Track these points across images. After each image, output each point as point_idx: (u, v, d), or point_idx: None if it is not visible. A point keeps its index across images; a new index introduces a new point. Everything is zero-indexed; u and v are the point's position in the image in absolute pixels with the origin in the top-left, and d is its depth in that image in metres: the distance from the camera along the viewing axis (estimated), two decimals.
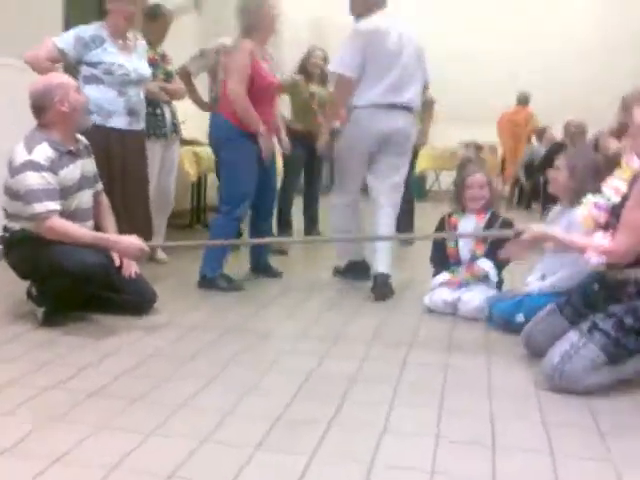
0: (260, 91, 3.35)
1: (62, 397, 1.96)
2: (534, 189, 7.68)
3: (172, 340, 2.55)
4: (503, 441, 1.77)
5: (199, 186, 5.59)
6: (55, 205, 2.54)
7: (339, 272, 3.76)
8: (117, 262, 2.79)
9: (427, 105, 3.94)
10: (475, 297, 2.97)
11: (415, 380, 2.22)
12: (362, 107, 3.33)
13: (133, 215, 3.31)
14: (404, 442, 1.76)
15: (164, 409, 1.89)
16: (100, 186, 2.95)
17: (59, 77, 2.77)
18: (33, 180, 2.52)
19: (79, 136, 2.81)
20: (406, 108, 3.38)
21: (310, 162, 4.96)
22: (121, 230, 2.89)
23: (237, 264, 3.77)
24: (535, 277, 2.90)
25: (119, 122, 3.33)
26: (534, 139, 8.26)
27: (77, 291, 2.63)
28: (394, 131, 3.35)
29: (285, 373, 2.24)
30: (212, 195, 5.71)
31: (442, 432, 1.81)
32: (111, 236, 2.73)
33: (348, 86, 3.32)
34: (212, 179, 5.57)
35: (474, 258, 3.07)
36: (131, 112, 3.37)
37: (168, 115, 3.97)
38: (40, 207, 2.51)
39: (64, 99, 2.64)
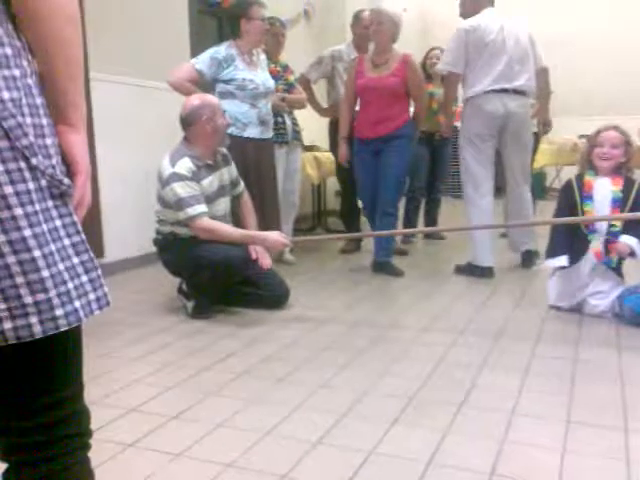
0: None
1: (215, 377, 2.21)
2: None
3: (306, 331, 2.74)
4: (635, 425, 1.79)
5: (319, 190, 5.82)
6: (204, 207, 2.84)
7: (460, 269, 3.83)
8: (253, 256, 3.03)
9: (544, 93, 3.96)
10: (602, 301, 2.84)
11: (544, 371, 2.26)
12: (476, 96, 3.65)
13: (268, 216, 3.58)
14: (535, 423, 1.82)
15: (306, 388, 2.08)
16: (241, 187, 3.22)
17: (211, 99, 3.05)
18: (181, 189, 2.82)
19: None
20: (519, 92, 3.63)
21: (434, 163, 5.03)
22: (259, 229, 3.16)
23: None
24: None
25: (253, 132, 3.62)
26: None
27: (221, 282, 2.90)
28: (510, 114, 3.61)
29: (415, 360, 2.36)
30: (332, 199, 5.94)
31: (572, 417, 1.86)
32: (258, 233, 3.00)
33: (456, 82, 3.74)
34: (331, 183, 5.81)
35: (611, 231, 2.82)
36: (262, 122, 3.65)
37: (289, 123, 4.21)
38: (192, 211, 2.81)
39: (210, 119, 2.92)
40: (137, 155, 3.98)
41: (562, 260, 2.86)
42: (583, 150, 3.02)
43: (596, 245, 2.83)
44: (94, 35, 3.63)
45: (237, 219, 3.22)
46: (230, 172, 3.14)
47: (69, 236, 0.86)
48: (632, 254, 2.77)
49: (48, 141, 0.84)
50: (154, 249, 3.12)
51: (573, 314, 2.93)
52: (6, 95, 0.78)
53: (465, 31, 3.62)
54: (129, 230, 3.94)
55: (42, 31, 0.82)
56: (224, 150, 3.11)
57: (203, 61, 3.55)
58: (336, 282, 3.70)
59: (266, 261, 2.97)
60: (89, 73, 3.64)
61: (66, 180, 0.85)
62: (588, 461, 1.61)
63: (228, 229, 2.92)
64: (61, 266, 0.83)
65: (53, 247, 0.82)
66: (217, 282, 2.87)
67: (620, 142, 2.87)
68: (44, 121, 0.84)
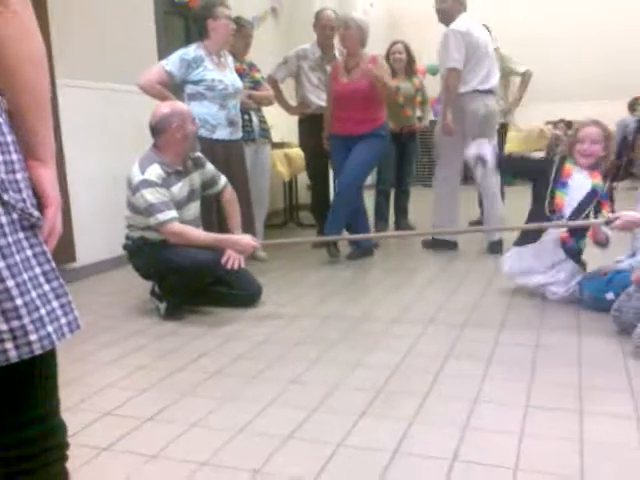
0: None
1: (189, 377, 2.26)
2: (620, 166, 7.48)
3: (279, 327, 2.80)
4: (590, 407, 1.89)
5: (291, 186, 5.87)
6: (174, 213, 2.87)
7: (427, 244, 4.38)
8: (224, 259, 3.06)
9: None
10: (561, 289, 2.97)
11: (506, 358, 2.35)
12: (466, 93, 4.07)
13: (241, 217, 3.61)
14: (496, 409, 1.91)
15: (278, 385, 2.14)
16: (221, 185, 3.23)
17: (181, 107, 3.06)
18: (151, 196, 2.84)
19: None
20: (493, 92, 4.16)
21: (401, 157, 5.11)
22: (228, 231, 3.19)
23: None
24: (626, 254, 2.93)
25: (222, 134, 3.65)
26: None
27: (192, 285, 2.94)
28: (488, 111, 4.08)
29: (384, 352, 2.44)
30: (303, 194, 5.99)
31: (531, 401, 1.95)
32: (229, 236, 3.04)
33: (458, 77, 4.04)
34: (302, 179, 5.86)
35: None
36: (231, 123, 3.68)
37: (256, 120, 4.24)
38: (162, 216, 2.83)
39: (180, 127, 2.94)
40: (106, 159, 3.99)
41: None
42: (566, 142, 3.20)
43: (564, 233, 2.94)
44: (59, 38, 3.63)
45: (222, 219, 3.28)
46: (203, 174, 3.16)
47: (40, 265, 0.92)
48: (604, 244, 2.89)
49: (18, 176, 0.89)
50: (125, 252, 3.15)
51: (536, 300, 3.04)
52: None
53: (461, 33, 3.99)
54: (99, 234, 3.95)
55: (9, 72, 0.87)
56: (196, 153, 3.14)
57: (173, 62, 3.56)
58: (308, 277, 3.76)
59: (236, 262, 3.00)
60: (55, 78, 3.64)
61: (36, 213, 0.91)
62: (545, 443, 1.70)
63: (198, 233, 2.95)
64: (34, 294, 0.89)
65: (25, 276, 0.88)
66: (188, 285, 2.91)
67: (600, 137, 2.96)
68: (14, 157, 0.89)
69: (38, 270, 0.91)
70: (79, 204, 3.83)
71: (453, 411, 1.90)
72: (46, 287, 0.92)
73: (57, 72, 3.63)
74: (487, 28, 4.43)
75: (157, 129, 2.96)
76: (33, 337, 0.88)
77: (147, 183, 2.86)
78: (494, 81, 4.14)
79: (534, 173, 3.18)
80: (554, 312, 2.87)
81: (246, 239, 2.99)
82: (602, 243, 2.90)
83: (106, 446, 1.75)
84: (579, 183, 2.98)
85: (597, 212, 2.94)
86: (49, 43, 3.58)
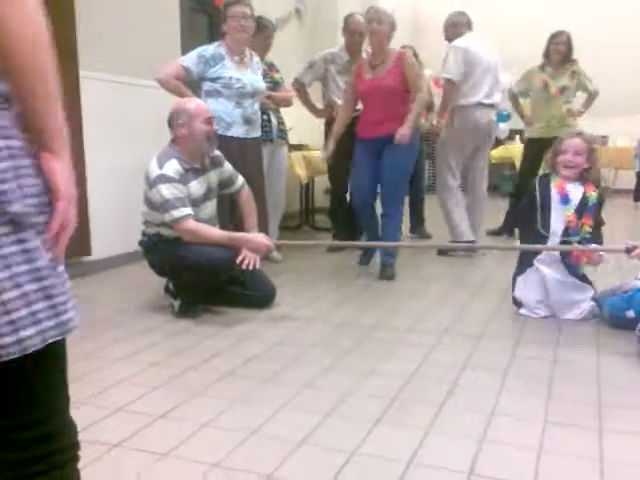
0: None
1: (201, 376, 2.24)
2: None
3: (292, 330, 2.78)
4: (609, 425, 1.84)
5: (307, 189, 5.85)
6: (189, 210, 2.85)
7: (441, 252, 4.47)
8: (239, 259, 3.03)
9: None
10: (577, 310, 2.89)
11: (523, 371, 2.31)
12: (469, 105, 4.35)
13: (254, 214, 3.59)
14: (513, 423, 1.87)
15: (291, 388, 2.12)
16: (238, 185, 3.22)
17: (193, 103, 3.05)
18: (167, 191, 2.83)
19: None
20: (494, 106, 4.50)
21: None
22: (243, 230, 3.17)
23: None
24: None
25: (237, 131, 3.63)
26: None
27: (207, 283, 2.92)
28: (489, 124, 4.44)
29: (398, 360, 2.41)
30: (320, 197, 5.97)
31: (549, 417, 1.91)
32: (242, 235, 3.01)
33: (453, 89, 4.34)
34: (320, 182, 5.84)
35: (577, 233, 2.85)
36: (247, 121, 3.67)
37: (274, 121, 4.24)
38: (177, 213, 2.82)
39: (186, 124, 2.93)
40: (126, 153, 3.99)
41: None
42: (547, 156, 3.07)
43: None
44: (84, 31, 3.64)
45: (239, 220, 3.26)
46: (221, 173, 3.15)
47: (19, 264, 0.85)
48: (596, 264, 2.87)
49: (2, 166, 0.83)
50: (141, 248, 3.14)
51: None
52: None
53: (462, 49, 4.32)
54: (116, 228, 3.95)
55: (9, 54, 0.82)
56: (215, 152, 3.12)
57: (190, 59, 3.57)
58: (322, 281, 3.74)
59: (252, 261, 2.98)
60: (79, 71, 3.65)
61: (12, 208, 0.84)
62: (564, 460, 1.66)
63: (212, 231, 2.94)
64: (11, 294, 0.84)
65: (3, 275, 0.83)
66: (203, 283, 2.89)
67: (583, 149, 2.91)
68: None
69: (17, 269, 0.85)
70: (96, 197, 3.83)
71: (469, 423, 1.87)
72: (29, 287, 0.86)
73: (81, 64, 3.64)
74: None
75: (169, 124, 2.99)
76: (8, 340, 0.84)
77: (164, 178, 2.85)
78: (497, 97, 4.49)
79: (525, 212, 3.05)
80: (572, 327, 2.82)
81: (260, 237, 2.97)
82: (594, 264, 2.87)
83: (117, 442, 1.73)
84: (573, 198, 2.91)
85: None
86: (74, 36, 3.60)
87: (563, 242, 2.87)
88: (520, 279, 3.01)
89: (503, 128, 8.65)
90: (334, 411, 1.95)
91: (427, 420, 1.88)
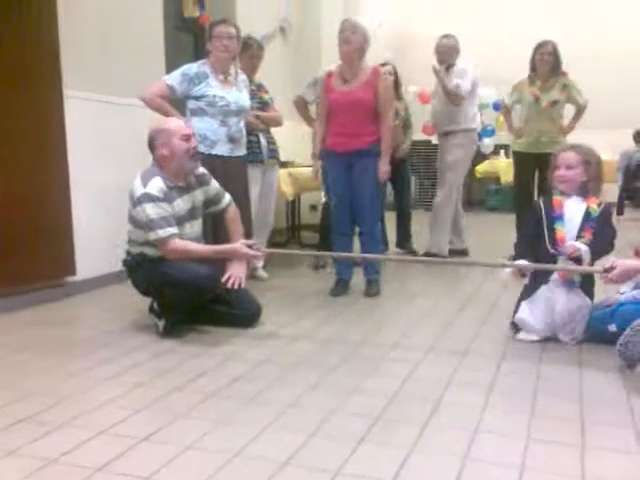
0: None
1: (186, 397, 2.23)
2: (629, 195, 7.51)
3: (277, 349, 2.77)
4: (592, 442, 1.86)
5: (294, 206, 5.87)
6: (175, 229, 2.86)
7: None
8: (224, 278, 3.02)
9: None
10: (573, 335, 2.82)
11: (507, 388, 2.32)
12: (475, 128, 5.00)
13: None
14: (496, 440, 1.88)
15: (275, 408, 2.11)
16: (224, 203, 3.22)
17: (170, 122, 3.06)
18: (151, 210, 2.84)
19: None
20: None
21: (397, 181, 5.11)
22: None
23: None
24: (629, 286, 2.91)
25: (222, 150, 3.65)
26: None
27: (190, 300, 2.90)
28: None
29: (383, 377, 2.41)
30: (306, 214, 5.99)
31: (532, 434, 1.92)
32: (227, 246, 2.99)
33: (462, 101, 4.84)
34: (305, 199, 5.86)
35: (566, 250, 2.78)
36: (232, 140, 3.68)
37: (264, 141, 4.25)
38: (162, 232, 2.82)
39: (166, 143, 2.93)
40: (110, 172, 3.99)
41: (522, 262, 2.84)
42: (551, 172, 2.99)
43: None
44: (68, 49, 3.65)
45: (225, 237, 3.24)
46: (207, 192, 3.15)
47: None
48: (579, 259, 2.74)
49: None
50: (124, 267, 3.13)
51: None
52: None
53: (471, 70, 4.79)
54: (101, 247, 3.93)
55: None
56: (200, 170, 3.13)
57: (174, 77, 3.59)
58: (308, 299, 3.74)
59: (237, 280, 2.98)
60: (63, 90, 3.66)
61: None
62: (546, 478, 1.67)
63: (197, 247, 2.94)
64: None
65: None
66: (187, 301, 2.89)
67: (576, 162, 2.86)
68: None
69: None
70: (81, 217, 3.82)
71: (453, 441, 1.87)
72: None
73: (65, 84, 3.65)
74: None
75: (149, 145, 2.99)
76: None
77: (148, 197, 2.85)
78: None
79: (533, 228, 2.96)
80: (555, 343, 2.84)
81: (244, 247, 2.92)
82: (570, 256, 2.76)
83: (100, 466, 1.72)
84: (574, 212, 2.86)
85: (579, 238, 2.80)
86: (58, 54, 3.61)
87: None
88: (525, 303, 2.90)
89: (488, 143, 8.75)
90: (318, 430, 1.95)
91: (411, 439, 1.88)
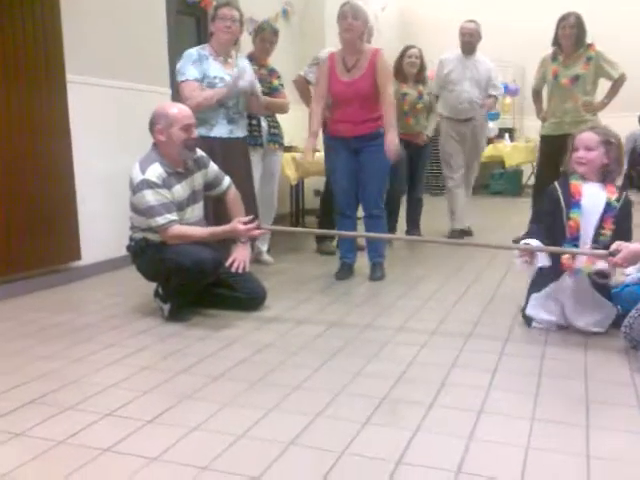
0: None
1: (190, 380, 2.24)
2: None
3: (282, 333, 2.78)
4: (597, 422, 1.86)
5: (297, 190, 5.85)
6: (175, 215, 2.85)
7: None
8: (229, 262, 3.01)
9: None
10: (601, 328, 2.68)
11: (512, 369, 2.32)
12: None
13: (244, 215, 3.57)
14: (501, 421, 1.89)
15: (280, 390, 2.12)
16: (224, 186, 3.20)
17: (175, 108, 2.98)
18: (151, 197, 2.83)
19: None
20: None
21: (413, 165, 5.07)
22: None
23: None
24: (635, 268, 2.88)
25: (220, 131, 3.61)
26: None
27: (194, 284, 2.90)
28: None
29: (388, 360, 2.42)
30: (310, 199, 5.98)
31: (537, 414, 1.92)
32: (226, 225, 2.92)
33: None
34: (309, 183, 5.85)
35: (599, 240, 2.59)
36: (231, 121, 3.65)
37: (265, 125, 4.22)
38: (162, 219, 2.82)
39: (164, 130, 2.91)
40: (115, 157, 3.98)
41: (531, 241, 2.66)
42: (568, 155, 2.81)
43: (570, 261, 2.62)
44: (70, 35, 3.63)
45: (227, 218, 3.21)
46: (206, 175, 3.14)
47: None
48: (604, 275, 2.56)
49: None
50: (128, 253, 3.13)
51: None
52: None
53: (493, 68, 5.26)
54: (106, 232, 3.94)
55: None
56: (198, 153, 3.11)
57: (189, 69, 3.53)
58: (312, 283, 3.74)
59: (240, 265, 2.98)
60: (66, 75, 3.64)
61: None
62: (551, 457, 1.67)
63: (197, 231, 2.92)
64: None
65: None
66: (190, 284, 2.89)
67: (595, 144, 2.68)
68: None
69: None
70: (86, 202, 3.82)
71: (458, 421, 1.88)
72: None
73: (68, 69, 3.64)
74: None
75: (149, 128, 2.97)
76: None
77: (147, 184, 2.84)
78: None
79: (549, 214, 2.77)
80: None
81: (240, 225, 2.86)
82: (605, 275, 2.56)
83: (107, 447, 1.73)
84: (593, 200, 2.65)
85: (600, 229, 2.63)
86: (61, 40, 3.59)
87: (575, 246, 2.63)
88: (534, 299, 2.80)
89: (492, 127, 8.70)
90: (323, 412, 1.95)
91: (416, 420, 1.89)
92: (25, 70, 3.42)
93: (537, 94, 4.83)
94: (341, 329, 2.83)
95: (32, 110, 3.49)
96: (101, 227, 3.94)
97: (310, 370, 2.31)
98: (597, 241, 2.61)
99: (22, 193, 3.46)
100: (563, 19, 4.42)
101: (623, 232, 2.64)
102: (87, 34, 3.78)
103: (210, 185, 3.17)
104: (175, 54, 4.33)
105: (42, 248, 3.54)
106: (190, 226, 2.95)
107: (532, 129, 7.06)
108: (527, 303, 2.85)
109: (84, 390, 2.14)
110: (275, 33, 4.26)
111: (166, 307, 2.96)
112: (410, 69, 4.84)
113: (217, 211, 3.37)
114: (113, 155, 3.99)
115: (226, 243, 3.07)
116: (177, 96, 3.60)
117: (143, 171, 2.86)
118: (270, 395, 2.08)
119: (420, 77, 4.92)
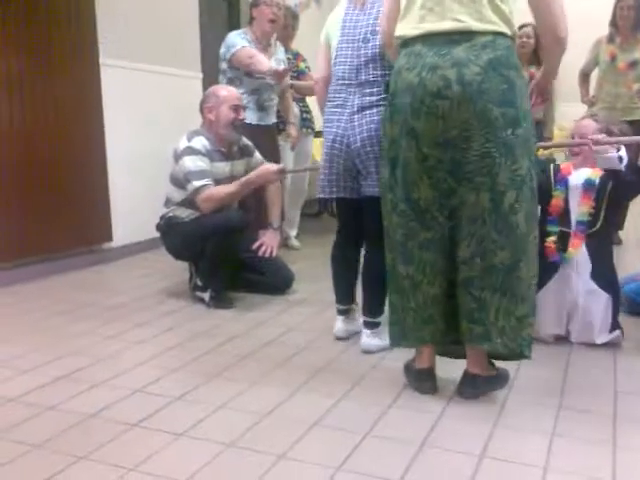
0: None
1: (218, 359, 2.27)
2: None
3: (309, 315, 2.80)
4: (624, 412, 1.84)
5: None
6: (209, 180, 2.87)
7: None
8: (256, 245, 3.05)
9: None
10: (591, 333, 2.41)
11: (540, 356, 2.28)
12: None
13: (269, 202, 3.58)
14: (528, 408, 1.87)
15: (306, 371, 2.14)
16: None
17: (225, 90, 3.08)
18: (191, 163, 2.87)
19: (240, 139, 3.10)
20: None
21: None
22: (255, 219, 3.17)
23: None
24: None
25: (250, 117, 3.61)
26: None
27: (224, 249, 2.86)
28: None
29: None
30: None
31: (564, 402, 1.91)
32: (250, 174, 2.91)
33: None
34: None
35: (580, 220, 2.39)
36: (261, 108, 3.66)
37: (297, 110, 4.23)
38: (198, 183, 2.85)
39: (214, 108, 2.97)
40: (146, 140, 4.03)
41: None
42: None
43: (551, 238, 2.41)
44: (103, 20, 3.67)
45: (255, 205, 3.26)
46: (248, 163, 3.15)
47: None
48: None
49: None
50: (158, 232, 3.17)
51: None
52: None
53: None
54: (137, 214, 4.00)
55: None
56: (244, 142, 3.14)
57: (240, 41, 3.49)
58: None
59: (269, 249, 3.01)
60: (99, 59, 3.69)
61: None
62: (576, 444, 1.66)
63: (225, 187, 2.91)
64: None
65: None
66: (220, 249, 2.86)
67: (591, 132, 2.42)
68: None
69: None
70: (117, 184, 3.88)
71: (483, 407, 1.87)
72: None
73: (101, 52, 3.68)
74: None
75: (200, 107, 3.05)
76: None
77: (190, 150, 2.90)
78: None
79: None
80: None
81: (266, 166, 2.93)
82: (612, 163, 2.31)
83: (135, 422, 1.77)
84: (579, 178, 2.43)
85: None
86: (94, 23, 3.63)
87: (561, 232, 2.42)
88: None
89: None
90: (348, 394, 1.97)
91: (440, 405, 1.89)
92: (59, 53, 3.48)
93: (586, 76, 4.54)
94: None
95: (66, 93, 3.55)
96: (131, 209, 3.99)
97: (336, 352, 2.33)
98: (578, 222, 2.39)
99: (56, 176, 3.52)
100: None
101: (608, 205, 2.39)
102: (120, 17, 3.82)
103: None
104: (206, 38, 4.36)
105: (74, 229, 3.61)
106: (218, 186, 2.91)
107: (566, 117, 6.77)
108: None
109: (115, 367, 2.19)
110: (295, 17, 4.25)
111: (207, 295, 2.96)
112: (523, 50, 4.23)
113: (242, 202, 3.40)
114: (146, 138, 4.04)
115: (258, 227, 3.10)
116: (208, 80, 3.60)
117: (189, 140, 2.94)
118: (296, 375, 2.10)
119: (538, 58, 4.19)
